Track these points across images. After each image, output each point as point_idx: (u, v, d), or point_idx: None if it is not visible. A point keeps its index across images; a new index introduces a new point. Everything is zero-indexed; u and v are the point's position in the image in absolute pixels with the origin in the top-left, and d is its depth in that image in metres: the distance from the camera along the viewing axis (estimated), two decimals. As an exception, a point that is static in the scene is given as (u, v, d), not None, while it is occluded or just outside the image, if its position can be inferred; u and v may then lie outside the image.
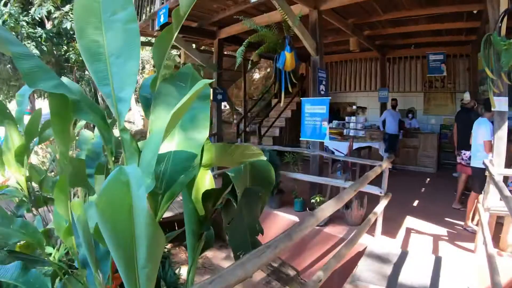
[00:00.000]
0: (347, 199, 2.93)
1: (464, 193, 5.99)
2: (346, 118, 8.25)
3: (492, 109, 4.13)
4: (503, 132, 4.14)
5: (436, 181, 8.21)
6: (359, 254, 4.36)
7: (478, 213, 4.30)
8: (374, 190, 4.70)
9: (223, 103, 16.87)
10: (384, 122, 9.15)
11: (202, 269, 5.89)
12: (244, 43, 5.56)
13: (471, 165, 4.96)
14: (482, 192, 4.53)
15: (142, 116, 17.66)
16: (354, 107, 8.18)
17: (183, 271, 5.74)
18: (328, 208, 2.52)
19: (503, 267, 3.19)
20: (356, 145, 7.44)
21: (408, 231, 5.02)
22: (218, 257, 6.45)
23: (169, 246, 6.43)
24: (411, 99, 10.75)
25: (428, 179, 8.40)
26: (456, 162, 6.15)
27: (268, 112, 11.68)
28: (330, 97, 5.75)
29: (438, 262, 3.98)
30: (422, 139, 9.28)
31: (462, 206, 5.80)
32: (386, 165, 4.52)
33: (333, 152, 7.11)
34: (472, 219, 4.94)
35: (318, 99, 5.82)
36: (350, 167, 5.51)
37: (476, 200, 4.80)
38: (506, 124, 4.14)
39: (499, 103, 4.12)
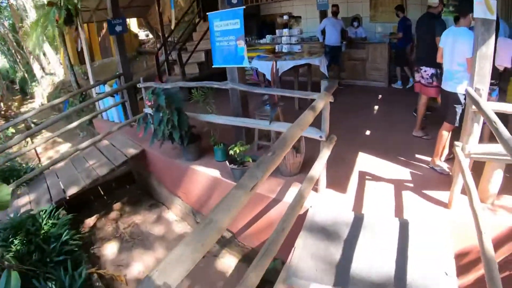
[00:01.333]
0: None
1: (426, 115, 4.76)
2: (277, 31, 6.54)
3: (483, 16, 2.63)
4: (488, 48, 2.74)
5: (389, 98, 6.94)
6: (300, 219, 3.03)
7: (453, 151, 3.02)
8: (311, 133, 3.28)
9: (144, 33, 14.53)
10: (324, 32, 7.56)
11: (130, 242, 4.78)
12: None
13: (445, 88, 3.61)
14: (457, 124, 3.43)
15: (61, 65, 14.68)
16: (286, 17, 6.45)
17: (109, 249, 4.68)
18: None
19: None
20: (290, 64, 5.88)
21: (362, 176, 3.77)
22: (148, 221, 5.28)
23: (94, 218, 5.43)
24: (356, 5, 9.03)
25: (380, 95, 7.12)
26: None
27: (189, 34, 9.53)
28: (244, 7, 4.00)
29: (404, 230, 2.79)
30: (371, 50, 7.78)
31: (424, 134, 4.63)
32: (324, 102, 3.01)
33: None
34: (440, 156, 3.72)
35: (229, 11, 4.09)
36: (277, 102, 3.96)
37: (448, 134, 3.60)
38: (493, 38, 2.72)
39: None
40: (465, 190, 2.58)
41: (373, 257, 2.52)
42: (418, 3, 7.83)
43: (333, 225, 2.89)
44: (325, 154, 3.19)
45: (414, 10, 7.84)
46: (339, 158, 3.95)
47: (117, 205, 5.76)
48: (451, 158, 3.67)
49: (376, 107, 6.33)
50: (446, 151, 3.77)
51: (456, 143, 3.01)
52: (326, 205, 3.26)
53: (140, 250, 4.59)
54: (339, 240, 2.72)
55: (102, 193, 5.97)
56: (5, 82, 14.53)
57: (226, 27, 4.16)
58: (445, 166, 3.67)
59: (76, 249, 4.11)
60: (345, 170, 3.89)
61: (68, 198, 4.77)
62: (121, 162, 5.40)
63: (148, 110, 4.98)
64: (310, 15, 9.46)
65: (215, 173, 4.29)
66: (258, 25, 10.25)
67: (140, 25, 13.79)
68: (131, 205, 5.72)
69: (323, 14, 8.30)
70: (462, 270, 2.71)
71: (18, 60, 17.12)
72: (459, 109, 3.41)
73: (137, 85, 5.54)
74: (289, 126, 2.44)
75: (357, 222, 2.88)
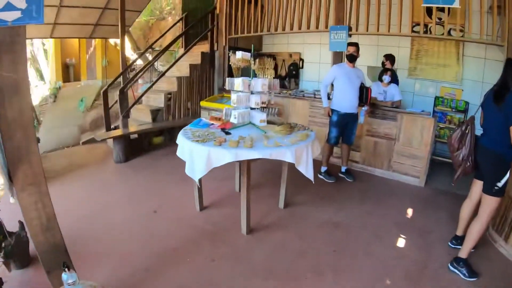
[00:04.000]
0: None
1: None
2: (227, 81, 3.40)
3: None
4: None
5: (422, 218, 3.67)
6: None
7: None
8: None
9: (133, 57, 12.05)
10: (332, 88, 4.57)
11: None
12: None
13: None
14: None
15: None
16: (241, 54, 3.24)
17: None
18: None
19: None
20: (227, 157, 2.72)
21: None
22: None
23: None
24: (390, 50, 5.68)
25: (409, 209, 3.88)
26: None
27: (150, 64, 6.73)
28: None
29: None
30: (406, 124, 4.58)
31: None
32: None
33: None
34: None
35: None
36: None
37: None
38: None
39: None
40: None
41: None
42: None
43: None
44: None
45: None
46: None
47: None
48: None
49: (398, 242, 3.12)
50: None
51: None
52: None
53: None
54: None
55: None
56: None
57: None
58: None
59: None
60: None
61: None
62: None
63: None
64: (324, 59, 6.47)
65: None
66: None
67: (134, 48, 11.43)
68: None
69: (337, 58, 5.25)
70: None
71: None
72: None
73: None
74: None
75: None
